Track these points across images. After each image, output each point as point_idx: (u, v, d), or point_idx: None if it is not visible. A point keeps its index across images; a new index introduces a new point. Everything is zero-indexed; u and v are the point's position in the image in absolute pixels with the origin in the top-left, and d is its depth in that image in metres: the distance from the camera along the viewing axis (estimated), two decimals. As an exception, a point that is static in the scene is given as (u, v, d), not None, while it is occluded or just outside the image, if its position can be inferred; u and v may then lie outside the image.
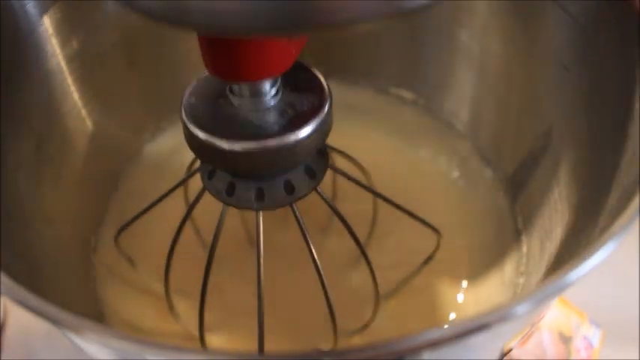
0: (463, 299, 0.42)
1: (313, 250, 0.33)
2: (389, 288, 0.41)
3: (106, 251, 0.43)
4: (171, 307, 0.40)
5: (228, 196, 0.32)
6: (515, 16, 0.40)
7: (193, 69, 0.31)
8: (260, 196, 0.32)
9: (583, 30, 0.36)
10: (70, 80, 0.40)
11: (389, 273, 0.41)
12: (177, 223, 0.43)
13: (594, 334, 0.43)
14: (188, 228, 0.42)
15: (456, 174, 0.49)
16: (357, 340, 0.40)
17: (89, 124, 0.42)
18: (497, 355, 0.31)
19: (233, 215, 0.37)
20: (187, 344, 0.40)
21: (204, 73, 0.30)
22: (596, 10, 0.34)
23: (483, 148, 0.48)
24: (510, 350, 0.37)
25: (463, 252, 0.44)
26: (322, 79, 0.31)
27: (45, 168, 0.37)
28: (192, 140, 0.30)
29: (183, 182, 0.37)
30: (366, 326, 0.39)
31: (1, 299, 0.44)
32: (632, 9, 0.31)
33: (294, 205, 0.32)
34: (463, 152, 0.49)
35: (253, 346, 0.33)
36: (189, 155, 0.49)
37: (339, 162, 0.40)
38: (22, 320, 0.45)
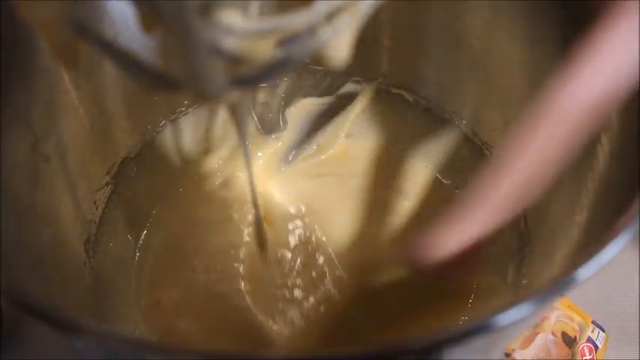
0: (465, 301, 0.42)
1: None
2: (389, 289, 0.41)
3: (105, 252, 0.43)
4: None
5: None
6: (518, 14, 0.40)
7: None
8: None
9: (586, 29, 0.35)
10: (67, 79, 0.39)
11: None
12: (175, 226, 0.43)
13: (598, 336, 0.42)
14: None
15: (458, 175, 0.49)
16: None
17: (86, 123, 0.42)
18: (499, 355, 0.31)
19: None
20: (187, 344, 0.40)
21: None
22: (600, 9, 0.34)
23: (485, 149, 0.48)
24: (513, 351, 0.37)
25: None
26: None
27: (42, 167, 0.37)
28: None
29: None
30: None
31: (1, 299, 0.43)
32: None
33: None
34: (465, 152, 0.49)
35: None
36: (188, 155, 0.50)
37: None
38: (21, 320, 0.45)
